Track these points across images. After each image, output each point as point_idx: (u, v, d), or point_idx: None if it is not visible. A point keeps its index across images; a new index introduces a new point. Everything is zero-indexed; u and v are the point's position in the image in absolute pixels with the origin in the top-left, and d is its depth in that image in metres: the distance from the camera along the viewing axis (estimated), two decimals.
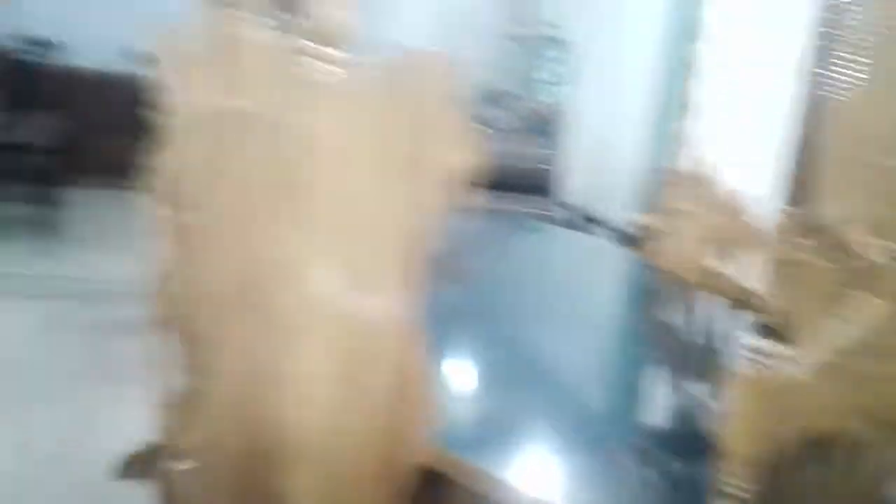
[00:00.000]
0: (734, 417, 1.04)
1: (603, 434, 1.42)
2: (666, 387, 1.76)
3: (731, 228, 2.25)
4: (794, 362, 1.04)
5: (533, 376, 1.59)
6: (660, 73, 4.40)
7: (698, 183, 2.41)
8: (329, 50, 0.78)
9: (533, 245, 2.96)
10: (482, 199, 4.15)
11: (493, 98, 6.33)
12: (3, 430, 2.40)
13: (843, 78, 2.71)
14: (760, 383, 1.02)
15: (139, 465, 2.23)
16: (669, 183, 2.50)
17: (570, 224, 4.30)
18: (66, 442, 2.40)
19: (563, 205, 4.40)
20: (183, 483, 0.86)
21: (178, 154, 1.29)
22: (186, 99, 1.08)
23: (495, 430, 1.30)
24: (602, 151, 4.91)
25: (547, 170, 4.12)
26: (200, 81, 1.08)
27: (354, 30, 0.78)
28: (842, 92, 2.70)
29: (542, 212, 4.04)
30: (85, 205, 4.63)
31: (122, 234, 4.34)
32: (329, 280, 0.83)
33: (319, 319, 0.85)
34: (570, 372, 1.69)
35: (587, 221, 4.28)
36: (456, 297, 2.13)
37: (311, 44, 0.78)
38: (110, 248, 4.12)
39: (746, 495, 1.05)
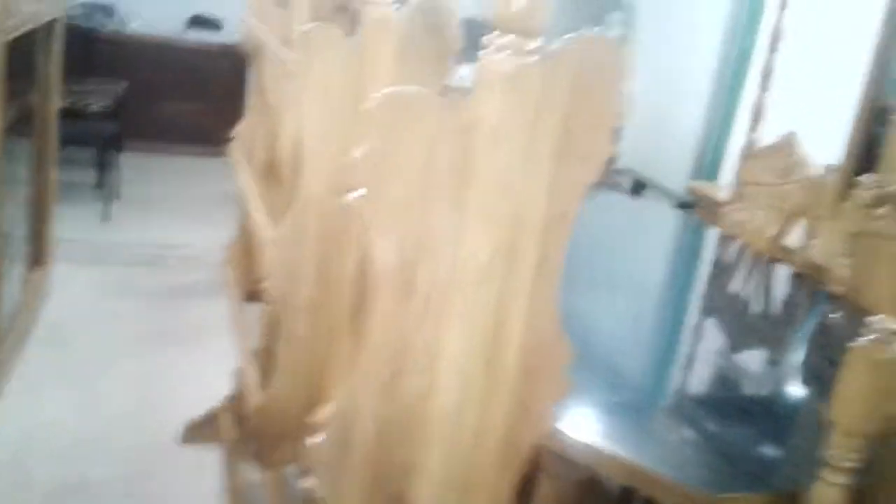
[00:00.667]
0: (846, 391, 1.05)
1: (657, 397, 1.46)
2: (728, 353, 1.77)
3: (809, 201, 2.23)
4: None
5: (600, 343, 1.61)
6: (728, 42, 4.32)
7: (779, 155, 2.38)
8: (510, 39, 0.79)
9: (597, 213, 2.95)
10: None
11: None
12: (75, 392, 2.49)
13: None
14: (875, 358, 1.02)
15: (202, 429, 2.31)
16: (747, 155, 2.48)
17: (631, 190, 4.28)
18: (135, 402, 2.48)
19: (623, 171, 4.36)
20: (318, 453, 0.90)
21: (292, 122, 1.32)
22: (319, 74, 1.11)
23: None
24: (660, 118, 4.85)
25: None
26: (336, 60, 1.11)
27: (538, 17, 0.79)
28: None
29: (604, 180, 4.01)
30: (146, 168, 4.72)
31: (183, 199, 4.43)
32: (477, 259, 0.85)
33: (464, 296, 0.88)
34: (636, 338, 1.71)
35: (643, 187, 4.25)
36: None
37: (496, 32, 0.79)
38: (173, 213, 4.20)
39: (854, 465, 1.06)
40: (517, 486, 1.06)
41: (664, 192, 4.07)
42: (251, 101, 2.04)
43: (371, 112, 0.77)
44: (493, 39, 0.82)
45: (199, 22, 5.13)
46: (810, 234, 2.24)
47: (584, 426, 1.24)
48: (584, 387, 1.43)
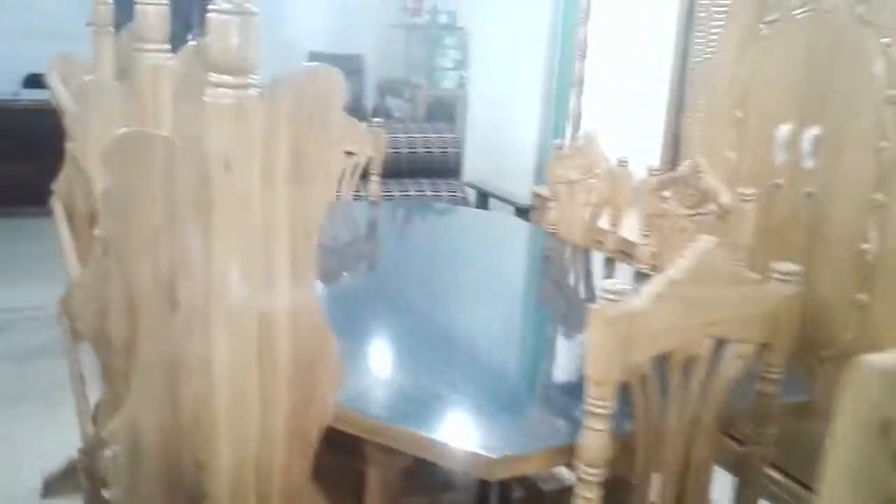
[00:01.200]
0: (592, 347, 1.22)
1: (504, 386, 1.60)
2: (562, 337, 1.95)
3: (612, 191, 2.45)
4: (637, 295, 1.22)
5: (441, 340, 1.75)
6: (550, 54, 4.63)
7: (583, 154, 2.60)
8: (227, 77, 0.91)
9: (441, 224, 3.12)
10: (393, 186, 4.28)
11: (395, 88, 6.47)
12: None
13: (707, 41, 2.95)
14: (609, 316, 1.19)
15: (62, 482, 2.33)
16: (557, 156, 2.69)
17: (478, 203, 4.50)
18: None
19: (470, 185, 4.58)
20: (110, 466, 0.99)
21: (89, 176, 1.40)
22: (98, 124, 1.20)
23: (407, 391, 1.48)
24: (499, 131, 5.13)
25: (455, 153, 4.28)
26: (113, 108, 1.20)
27: (248, 56, 0.90)
28: (706, 54, 2.96)
29: (453, 194, 4.21)
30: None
31: (26, 260, 4.34)
32: (227, 275, 0.96)
33: (226, 308, 0.98)
34: (476, 334, 1.86)
35: (489, 198, 4.48)
36: (373, 278, 2.29)
37: (213, 73, 0.90)
38: (17, 275, 4.13)
39: (607, 411, 1.23)
40: (352, 482, 1.17)
41: (509, 201, 4.30)
42: (67, 154, 2.09)
43: (104, 154, 0.88)
44: (214, 77, 0.94)
45: (34, 81, 5.05)
46: (615, 220, 2.47)
47: (409, 418, 1.37)
48: (417, 383, 1.57)
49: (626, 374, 1.24)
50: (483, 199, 4.51)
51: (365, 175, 3.09)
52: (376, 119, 3.12)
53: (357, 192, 3.12)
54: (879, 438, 0.70)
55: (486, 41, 5.38)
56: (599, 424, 1.24)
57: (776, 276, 1.36)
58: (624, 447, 1.32)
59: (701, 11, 2.99)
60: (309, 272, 1.06)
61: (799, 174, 2.53)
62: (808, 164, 2.51)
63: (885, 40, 2.25)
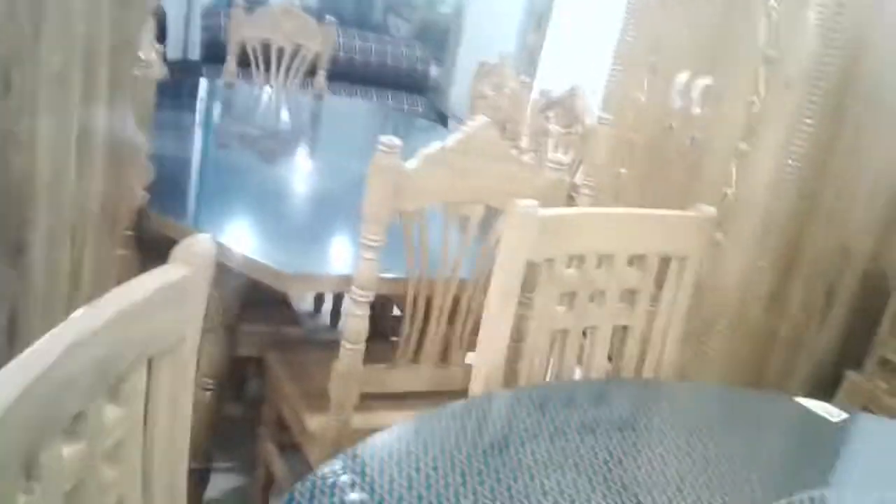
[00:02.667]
0: (370, 192, 1.48)
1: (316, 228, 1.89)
2: None
3: (513, 109, 2.69)
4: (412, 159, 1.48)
5: (291, 197, 2.04)
6: None
7: (499, 74, 2.84)
8: None
9: (357, 121, 3.37)
10: (353, 90, 4.49)
11: (394, 7, 6.63)
12: None
13: None
14: (382, 165, 1.45)
15: None
16: (480, 72, 2.92)
17: (437, 120, 4.73)
18: None
19: (436, 106, 4.80)
20: None
21: None
22: None
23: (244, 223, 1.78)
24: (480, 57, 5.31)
25: (423, 70, 4.49)
26: None
27: None
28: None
29: (414, 108, 4.44)
30: None
31: None
32: (51, 66, 1.23)
33: (50, 91, 1.25)
34: (316, 197, 2.14)
35: (451, 119, 4.71)
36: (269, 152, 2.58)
37: None
38: None
39: (376, 244, 1.50)
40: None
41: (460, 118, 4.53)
42: None
43: None
44: None
45: None
46: (513, 135, 2.71)
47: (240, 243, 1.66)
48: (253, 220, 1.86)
49: (394, 217, 1.51)
50: (444, 119, 4.74)
51: (313, 72, 3.33)
52: (330, 18, 3.33)
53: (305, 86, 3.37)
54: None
55: None
56: (370, 255, 1.51)
57: (549, 164, 1.61)
58: (400, 286, 1.61)
59: None
60: (123, 82, 1.32)
61: (688, 119, 2.75)
62: (697, 110, 2.73)
63: (772, 2, 2.45)
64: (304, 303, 3.08)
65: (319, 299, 3.12)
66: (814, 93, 2.29)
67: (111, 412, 0.71)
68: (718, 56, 2.67)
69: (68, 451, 0.65)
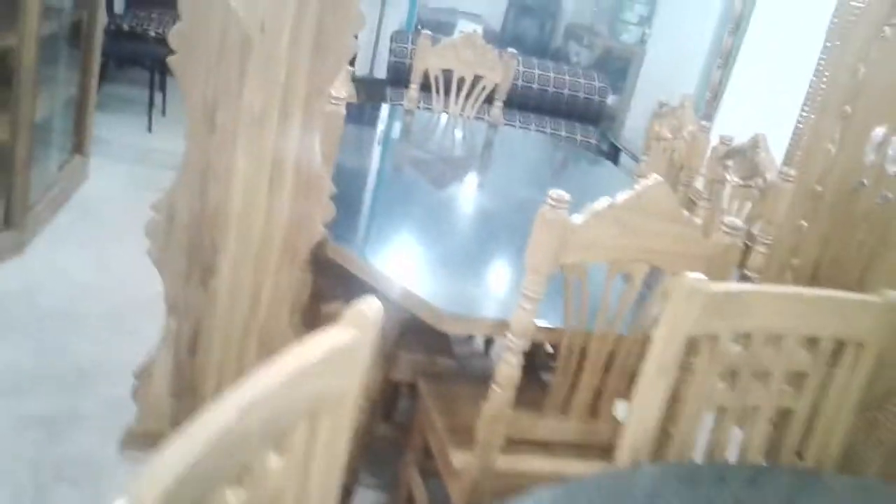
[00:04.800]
0: (533, 243, 1.50)
1: (479, 267, 1.91)
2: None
3: (689, 153, 2.62)
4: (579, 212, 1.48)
5: (458, 233, 2.09)
6: (714, 31, 4.64)
7: (677, 116, 2.77)
8: None
9: (536, 154, 3.38)
10: (531, 120, 4.57)
11: (578, 34, 6.62)
12: (89, 252, 3.07)
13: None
14: (548, 218, 1.46)
15: None
16: (658, 114, 2.86)
17: (609, 155, 4.67)
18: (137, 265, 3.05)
19: (608, 137, 4.74)
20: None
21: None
22: None
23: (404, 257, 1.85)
24: (662, 91, 5.19)
25: (600, 101, 4.47)
26: None
27: None
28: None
29: (587, 140, 4.41)
30: None
31: None
32: (253, 109, 1.34)
33: (249, 134, 1.36)
34: (483, 236, 2.17)
35: (620, 152, 4.63)
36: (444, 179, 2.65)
37: None
38: None
39: (535, 295, 1.51)
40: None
41: (634, 155, 4.45)
42: None
43: (180, 2, 1.26)
44: None
45: None
46: (688, 180, 2.64)
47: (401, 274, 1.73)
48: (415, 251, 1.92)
49: (557, 269, 1.51)
50: (616, 152, 4.67)
51: (490, 100, 3.40)
52: (511, 49, 3.38)
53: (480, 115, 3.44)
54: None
55: (670, 5, 5.41)
56: (528, 305, 1.53)
57: (723, 228, 1.56)
58: (556, 335, 1.61)
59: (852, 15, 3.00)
60: (315, 124, 1.41)
61: (882, 176, 2.57)
62: (893, 169, 2.54)
63: None
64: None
65: (489, 342, 3.16)
66: None
67: (274, 462, 0.77)
68: None
69: (233, 498, 0.71)
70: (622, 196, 1.49)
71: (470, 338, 3.18)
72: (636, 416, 1.22)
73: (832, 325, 1.29)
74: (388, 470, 2.28)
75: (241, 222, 1.42)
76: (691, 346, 1.23)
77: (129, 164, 4.06)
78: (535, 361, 2.18)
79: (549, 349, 2.34)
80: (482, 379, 1.64)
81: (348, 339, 0.80)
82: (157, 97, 4.78)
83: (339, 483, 0.93)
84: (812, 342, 1.29)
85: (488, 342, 3.04)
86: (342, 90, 1.74)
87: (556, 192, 1.47)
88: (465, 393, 1.88)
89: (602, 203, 1.49)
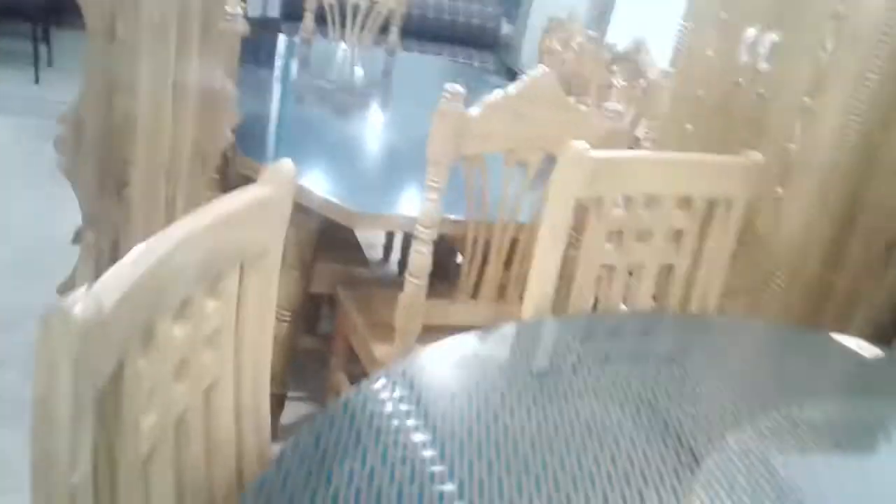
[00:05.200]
0: (433, 135, 1.59)
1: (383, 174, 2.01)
2: None
3: (579, 64, 2.76)
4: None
5: (362, 145, 2.17)
6: None
7: (565, 28, 2.89)
8: None
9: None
10: (427, 48, 4.60)
11: None
12: None
13: None
14: (445, 111, 1.56)
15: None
16: (549, 27, 2.98)
17: (507, 76, 4.79)
18: (35, 211, 3.02)
19: (506, 63, 4.86)
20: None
21: None
22: None
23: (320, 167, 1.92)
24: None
25: (493, 28, 4.55)
26: None
27: None
28: None
29: (484, 65, 4.51)
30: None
31: None
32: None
33: (151, 45, 1.40)
34: (384, 146, 2.26)
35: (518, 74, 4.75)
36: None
37: None
38: None
39: (438, 186, 1.61)
40: None
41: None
42: None
43: None
44: None
45: None
46: (582, 90, 2.77)
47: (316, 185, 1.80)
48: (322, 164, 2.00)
49: (457, 160, 1.62)
50: (513, 76, 4.80)
51: (386, 29, 3.44)
52: None
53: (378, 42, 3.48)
54: None
55: None
56: (433, 195, 1.63)
57: (606, 113, 1.70)
58: (461, 227, 1.73)
59: None
60: (213, 34, 1.47)
61: (756, 75, 2.77)
62: (764, 66, 2.74)
63: None
64: (373, 251, 3.23)
65: (388, 249, 3.26)
66: (879, 48, 2.28)
67: (210, 304, 0.85)
68: (787, 11, 2.66)
69: (177, 330, 0.79)
70: (513, 86, 1.60)
71: (385, 261, 3.29)
72: (536, 277, 1.35)
73: (703, 185, 1.45)
74: (317, 381, 2.38)
75: (149, 131, 1.47)
76: (579, 222, 1.36)
77: (17, 116, 3.94)
78: (449, 271, 2.31)
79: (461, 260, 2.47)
80: (398, 285, 1.74)
81: (267, 193, 0.89)
82: (43, 49, 4.62)
83: (271, 347, 1.01)
84: (687, 202, 1.45)
85: (402, 265, 3.16)
86: (236, 7, 1.78)
87: (451, 86, 1.56)
88: (381, 294, 1.99)
89: (495, 95, 1.60)
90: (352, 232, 2.40)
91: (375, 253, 3.26)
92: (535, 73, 1.61)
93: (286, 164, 0.91)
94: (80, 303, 0.58)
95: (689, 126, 2.99)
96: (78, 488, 0.64)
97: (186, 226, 0.78)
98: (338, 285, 2.12)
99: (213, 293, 0.86)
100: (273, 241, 0.93)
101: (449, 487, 0.81)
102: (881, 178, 2.47)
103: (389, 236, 3.26)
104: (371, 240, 3.23)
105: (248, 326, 0.93)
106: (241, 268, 0.90)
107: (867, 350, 1.30)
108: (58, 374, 0.57)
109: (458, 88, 1.56)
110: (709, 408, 1.05)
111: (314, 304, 2.53)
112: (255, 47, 2.95)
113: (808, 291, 2.55)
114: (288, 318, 2.06)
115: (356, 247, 2.42)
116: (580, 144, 1.29)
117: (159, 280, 0.73)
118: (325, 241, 2.05)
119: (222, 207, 0.83)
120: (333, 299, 2.18)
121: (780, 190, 2.61)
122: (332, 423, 0.89)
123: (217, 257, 0.84)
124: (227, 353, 0.90)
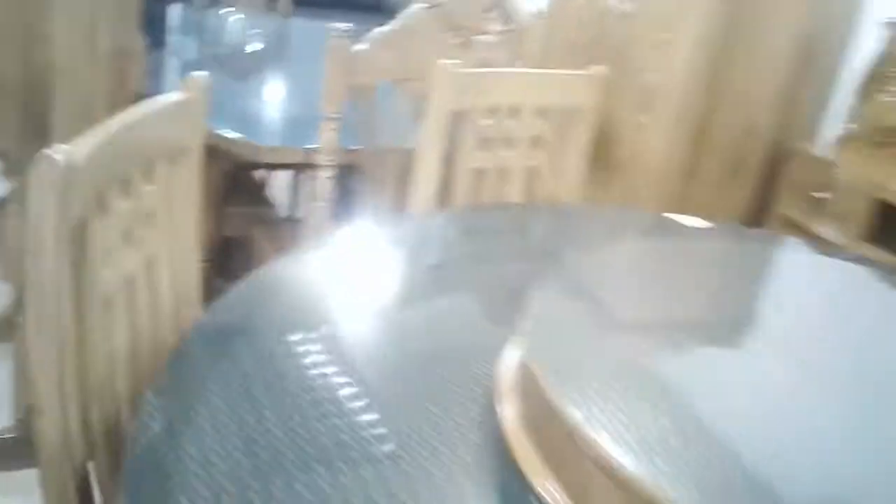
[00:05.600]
0: (324, 72, 1.80)
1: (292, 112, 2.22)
2: None
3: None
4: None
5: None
6: None
7: None
8: None
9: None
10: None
11: None
12: None
13: None
14: (332, 48, 1.77)
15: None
16: None
17: None
18: None
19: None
20: None
21: None
22: None
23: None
24: None
25: None
26: None
27: None
28: None
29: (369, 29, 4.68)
30: None
31: None
32: None
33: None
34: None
35: None
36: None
37: None
38: None
39: (335, 116, 1.82)
40: None
41: None
42: None
43: None
44: None
45: None
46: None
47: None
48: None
49: (348, 92, 1.84)
50: None
51: None
52: None
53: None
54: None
55: None
56: (331, 125, 1.84)
57: (476, 45, 1.94)
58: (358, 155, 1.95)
59: None
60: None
61: (622, 16, 3.06)
62: (627, 6, 3.04)
63: None
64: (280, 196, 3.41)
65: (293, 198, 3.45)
66: None
67: (147, 188, 1.05)
68: None
69: (123, 204, 0.99)
70: (393, 22, 1.83)
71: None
72: (419, 181, 1.59)
73: (557, 97, 1.71)
74: None
75: (67, 79, 1.62)
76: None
77: None
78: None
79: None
80: (302, 220, 1.95)
81: (183, 98, 1.09)
82: None
83: (198, 235, 1.22)
84: (544, 112, 1.71)
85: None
86: None
87: (338, 25, 1.78)
88: (290, 229, 2.19)
89: (379, 30, 1.82)
90: (257, 182, 2.59)
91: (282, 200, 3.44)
92: (411, 9, 1.83)
93: (202, 74, 1.12)
94: (61, 154, 0.78)
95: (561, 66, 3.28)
96: (61, 312, 0.84)
97: (125, 117, 0.98)
98: (250, 227, 2.31)
99: (148, 178, 1.06)
100: (193, 139, 1.13)
101: (344, 380, 0.96)
102: (727, 105, 2.82)
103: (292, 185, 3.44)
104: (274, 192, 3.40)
105: (177, 214, 1.14)
106: (169, 162, 1.10)
107: (701, 224, 1.59)
108: (46, 203, 0.77)
109: (345, 25, 1.78)
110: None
111: (227, 248, 2.71)
112: (150, 17, 3.07)
113: (671, 205, 2.89)
114: (204, 260, 2.24)
115: (262, 193, 2.61)
116: (450, 62, 1.53)
117: (107, 157, 0.93)
118: (234, 189, 2.23)
119: (149, 106, 1.03)
120: (244, 243, 2.37)
121: (643, 119, 2.93)
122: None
123: (148, 144, 1.04)
124: (163, 233, 1.10)
